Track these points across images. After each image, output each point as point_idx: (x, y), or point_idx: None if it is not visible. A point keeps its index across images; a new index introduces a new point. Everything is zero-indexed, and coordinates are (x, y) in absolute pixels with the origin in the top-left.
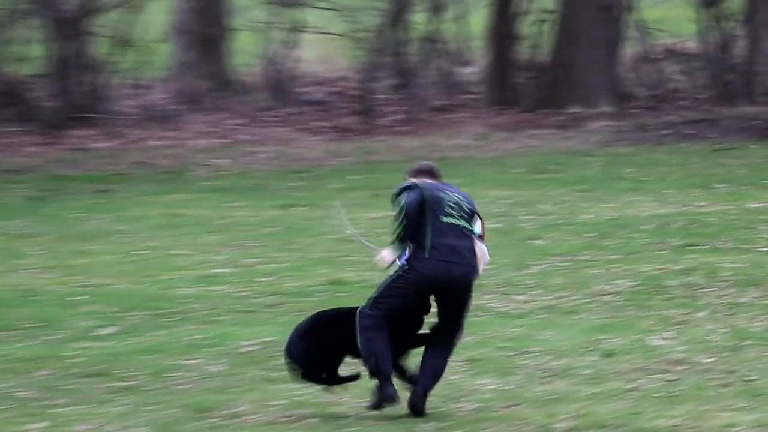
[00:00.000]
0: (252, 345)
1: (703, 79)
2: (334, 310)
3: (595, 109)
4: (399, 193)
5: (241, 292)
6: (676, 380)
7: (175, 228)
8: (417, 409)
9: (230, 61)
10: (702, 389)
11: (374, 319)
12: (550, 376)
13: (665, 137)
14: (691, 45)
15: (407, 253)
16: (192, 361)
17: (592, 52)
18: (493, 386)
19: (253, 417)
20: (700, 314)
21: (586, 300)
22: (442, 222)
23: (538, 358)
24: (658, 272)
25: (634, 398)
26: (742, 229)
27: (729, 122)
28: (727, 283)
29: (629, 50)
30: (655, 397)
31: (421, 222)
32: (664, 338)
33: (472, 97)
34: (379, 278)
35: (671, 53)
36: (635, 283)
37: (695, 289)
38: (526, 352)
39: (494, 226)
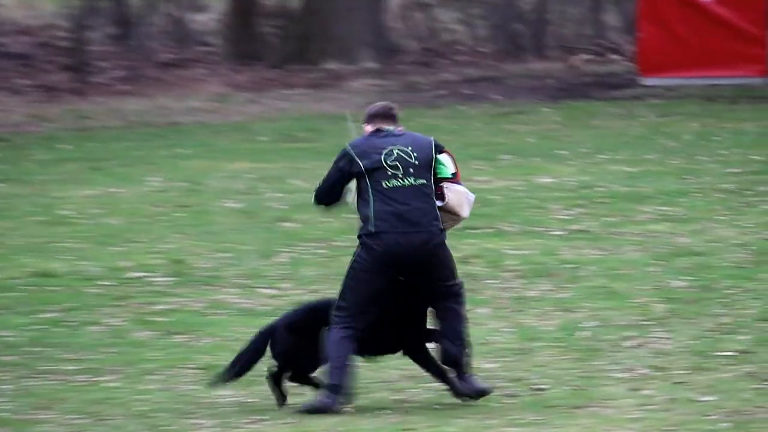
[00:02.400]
0: None
1: (486, 30)
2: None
3: (356, 65)
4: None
5: None
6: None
7: None
8: (478, 393)
9: None
10: (483, 400)
11: (339, 329)
12: (303, 385)
13: (440, 98)
14: None
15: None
16: None
17: None
18: (235, 398)
19: None
20: (482, 311)
21: None
22: (385, 187)
23: None
24: None
25: (403, 411)
26: (531, 208)
27: (516, 81)
28: (514, 273)
29: None
30: (428, 409)
31: (362, 192)
32: None
33: (208, 50)
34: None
35: None
36: None
37: (476, 281)
38: None
39: (235, 206)
